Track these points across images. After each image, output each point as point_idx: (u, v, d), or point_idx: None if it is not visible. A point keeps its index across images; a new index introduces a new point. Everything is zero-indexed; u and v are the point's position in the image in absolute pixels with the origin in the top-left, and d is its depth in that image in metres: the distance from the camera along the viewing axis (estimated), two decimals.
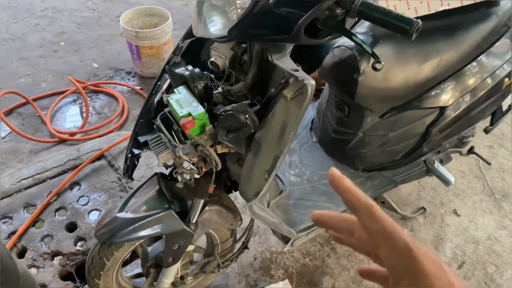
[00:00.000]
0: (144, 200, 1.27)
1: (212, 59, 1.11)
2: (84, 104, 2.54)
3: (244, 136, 1.07)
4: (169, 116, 1.13)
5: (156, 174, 1.34)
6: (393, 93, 1.41)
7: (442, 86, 1.47)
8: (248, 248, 1.52)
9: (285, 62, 1.01)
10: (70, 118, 2.48)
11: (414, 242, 0.39)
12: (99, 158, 2.16)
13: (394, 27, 0.80)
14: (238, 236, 1.52)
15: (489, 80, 1.52)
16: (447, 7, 1.38)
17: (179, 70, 1.12)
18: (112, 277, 1.37)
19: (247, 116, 1.00)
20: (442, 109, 1.50)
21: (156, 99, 1.27)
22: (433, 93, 1.47)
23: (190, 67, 1.10)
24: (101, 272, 1.32)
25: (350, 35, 0.84)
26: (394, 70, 1.36)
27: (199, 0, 1.00)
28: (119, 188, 2.04)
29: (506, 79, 1.54)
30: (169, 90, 1.25)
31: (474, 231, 1.97)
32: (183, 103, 1.08)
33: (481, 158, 1.87)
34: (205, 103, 1.06)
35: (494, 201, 2.10)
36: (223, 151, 1.13)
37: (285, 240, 1.43)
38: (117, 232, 1.22)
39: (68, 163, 2.13)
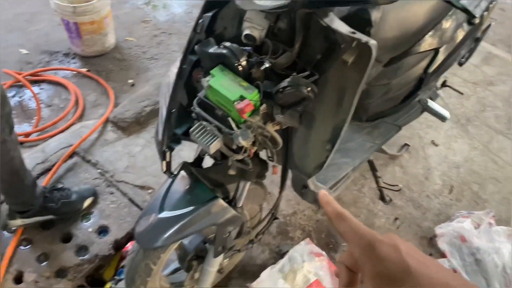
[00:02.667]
0: (183, 194, 1.18)
1: (248, 31, 1.01)
2: (25, 98, 2.22)
3: (302, 110, 1.02)
4: (207, 101, 1.03)
5: (184, 164, 1.23)
6: (398, 41, 1.43)
7: (437, 28, 1.52)
8: (278, 218, 1.50)
9: (339, 26, 0.96)
10: (15, 116, 2.16)
11: (377, 235, 0.44)
12: (70, 156, 1.93)
13: None
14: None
15: None
16: None
17: (215, 50, 1.01)
18: (156, 279, 1.28)
19: (309, 89, 0.95)
20: (437, 50, 1.55)
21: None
22: (429, 36, 1.51)
23: (227, 44, 1.00)
24: (147, 279, 1.22)
25: None
26: (399, 17, 1.37)
27: None
28: (106, 184, 1.86)
29: (485, 13, 1.63)
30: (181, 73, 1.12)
31: (453, 156, 2.15)
32: (229, 85, 0.98)
33: (454, 89, 2.01)
34: (258, 82, 0.98)
35: (461, 126, 2.30)
36: (275, 128, 1.07)
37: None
38: (164, 234, 1.13)
39: (36, 168, 1.88)
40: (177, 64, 1.15)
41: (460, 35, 1.62)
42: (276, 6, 0.87)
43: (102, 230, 1.74)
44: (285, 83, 0.95)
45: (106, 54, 2.52)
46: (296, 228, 1.81)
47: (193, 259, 1.36)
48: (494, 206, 1.97)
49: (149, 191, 1.87)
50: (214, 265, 1.33)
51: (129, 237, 1.74)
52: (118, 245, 1.72)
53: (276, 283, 1.58)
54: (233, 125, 0.98)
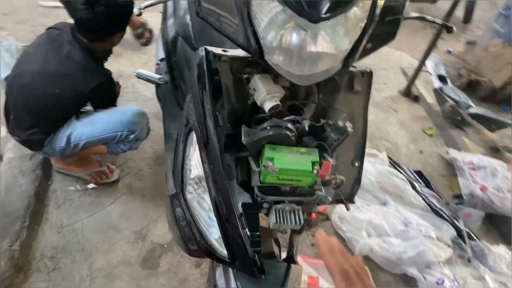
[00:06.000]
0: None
1: (273, 103, 0.97)
2: None
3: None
4: (265, 185, 0.95)
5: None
6: None
7: None
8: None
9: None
10: None
11: None
12: None
13: None
14: None
15: None
16: None
17: (263, 134, 0.93)
18: None
19: (351, 126, 0.98)
20: None
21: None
22: None
23: (271, 123, 0.94)
24: None
25: None
26: None
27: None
28: None
29: None
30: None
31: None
32: (293, 159, 0.94)
33: None
34: (320, 142, 0.98)
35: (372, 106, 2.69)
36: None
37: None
38: None
39: None
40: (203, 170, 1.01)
41: None
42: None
43: None
44: (335, 134, 0.97)
45: None
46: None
47: None
48: None
49: None
50: None
51: None
52: None
53: None
54: (322, 189, 0.95)
